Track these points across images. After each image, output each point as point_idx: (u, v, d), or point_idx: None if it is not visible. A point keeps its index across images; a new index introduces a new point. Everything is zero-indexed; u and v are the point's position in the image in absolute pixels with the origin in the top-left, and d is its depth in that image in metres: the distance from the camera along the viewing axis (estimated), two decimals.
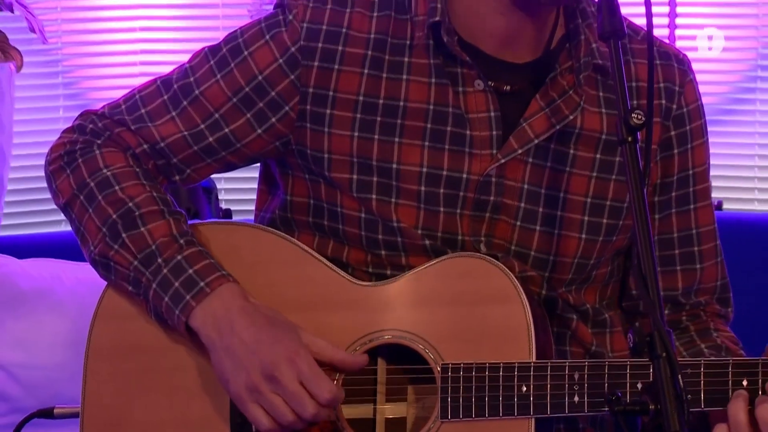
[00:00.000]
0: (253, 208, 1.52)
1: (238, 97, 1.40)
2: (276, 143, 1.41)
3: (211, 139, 1.41)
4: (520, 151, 1.38)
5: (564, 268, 1.40)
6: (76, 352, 1.51)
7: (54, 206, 1.47)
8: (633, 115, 1.16)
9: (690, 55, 1.50)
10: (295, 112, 1.39)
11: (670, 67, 1.43)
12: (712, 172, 1.48)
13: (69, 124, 1.48)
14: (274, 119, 1.40)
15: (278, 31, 1.39)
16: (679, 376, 1.06)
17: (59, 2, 2.95)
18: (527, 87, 1.39)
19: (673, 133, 1.43)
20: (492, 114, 1.38)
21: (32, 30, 2.65)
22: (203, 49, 1.44)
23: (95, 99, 2.95)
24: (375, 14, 1.39)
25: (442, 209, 1.38)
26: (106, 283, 1.43)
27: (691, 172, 1.44)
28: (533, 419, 1.32)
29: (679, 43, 2.95)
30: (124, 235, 1.38)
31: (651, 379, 1.08)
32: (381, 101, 1.38)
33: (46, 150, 1.48)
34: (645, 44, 1.41)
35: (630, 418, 1.15)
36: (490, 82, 1.38)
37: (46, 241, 2.36)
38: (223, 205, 2.85)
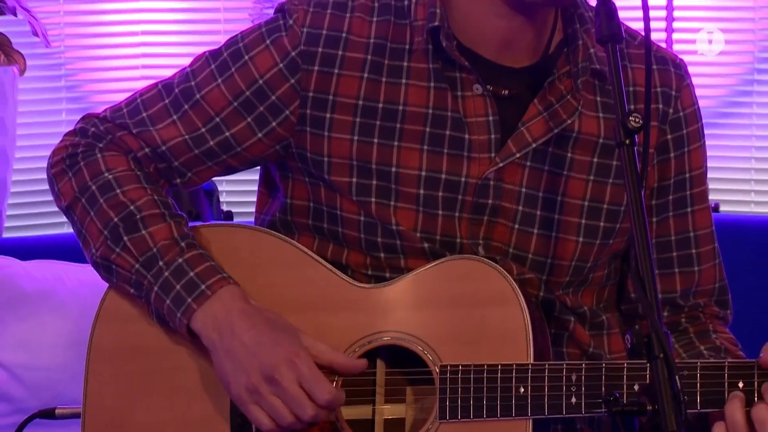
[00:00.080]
0: (254, 210, 1.53)
1: (238, 101, 1.41)
2: (276, 147, 1.42)
3: (211, 142, 1.42)
4: (518, 155, 1.38)
5: (561, 270, 1.41)
6: (78, 353, 1.51)
7: (56, 208, 1.48)
8: (631, 118, 1.17)
9: (687, 58, 1.51)
10: (296, 116, 1.40)
11: (666, 72, 1.44)
12: (709, 175, 1.48)
13: (71, 127, 1.49)
14: (274, 123, 1.41)
15: (278, 36, 1.40)
16: (677, 377, 1.07)
17: (62, 6, 2.96)
18: (525, 91, 1.40)
19: (669, 136, 1.44)
20: (490, 118, 1.39)
21: (35, 34, 2.67)
22: (204, 53, 1.44)
23: (97, 102, 2.96)
24: (374, 19, 1.40)
25: (440, 212, 1.39)
26: (107, 284, 1.44)
27: (688, 175, 1.45)
28: (531, 420, 1.32)
29: (676, 47, 2.96)
30: (125, 238, 1.39)
31: (648, 380, 1.09)
32: (380, 105, 1.39)
33: (48, 152, 1.48)
34: (642, 49, 1.42)
35: (628, 419, 1.16)
36: (488, 87, 1.39)
37: (48, 242, 2.37)
38: (225, 208, 2.86)
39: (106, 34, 2.99)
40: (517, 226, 1.40)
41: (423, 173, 1.38)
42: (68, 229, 2.56)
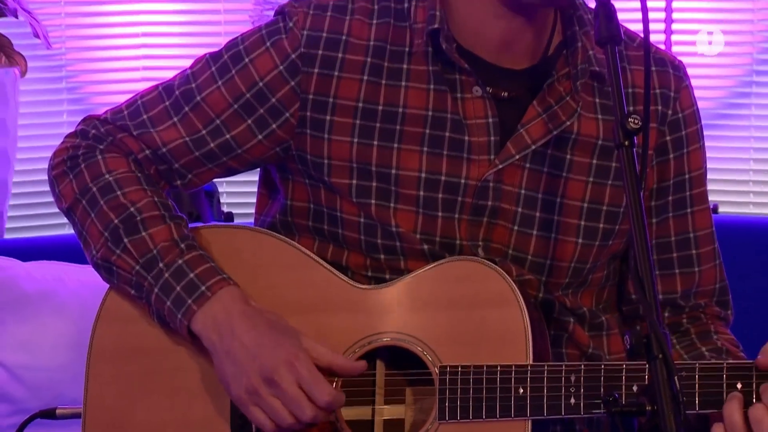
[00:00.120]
0: (254, 211, 1.54)
1: (239, 104, 1.41)
2: (276, 149, 1.42)
3: (212, 144, 1.42)
4: (517, 157, 1.39)
5: (561, 272, 1.41)
6: (79, 354, 1.51)
7: (57, 209, 1.48)
8: (630, 119, 1.17)
9: (685, 60, 1.51)
10: (296, 119, 1.40)
11: (665, 74, 1.44)
12: (708, 176, 1.48)
13: (72, 128, 1.49)
14: (274, 125, 1.41)
15: (279, 38, 1.40)
16: (676, 378, 1.08)
17: (63, 8, 2.97)
18: (525, 93, 1.40)
19: (668, 138, 1.44)
20: (490, 120, 1.39)
21: (36, 35, 2.67)
22: (205, 55, 1.45)
23: (98, 103, 2.96)
24: (374, 22, 1.40)
25: (440, 214, 1.39)
26: (108, 285, 1.44)
27: (687, 176, 1.45)
28: (530, 421, 1.33)
29: (675, 49, 2.97)
30: (125, 239, 1.39)
31: (647, 381, 1.09)
32: (380, 107, 1.39)
33: (50, 154, 1.48)
34: (641, 51, 1.42)
35: (627, 420, 1.16)
36: (488, 89, 1.39)
37: (49, 244, 2.37)
38: (225, 209, 2.86)
39: (107, 36, 3.00)
40: (516, 227, 1.40)
41: (423, 175, 1.39)
42: (69, 230, 2.56)
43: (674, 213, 1.46)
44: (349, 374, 1.35)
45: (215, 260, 1.40)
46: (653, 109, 1.42)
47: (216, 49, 1.45)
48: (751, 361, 1.31)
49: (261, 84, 1.40)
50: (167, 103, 1.43)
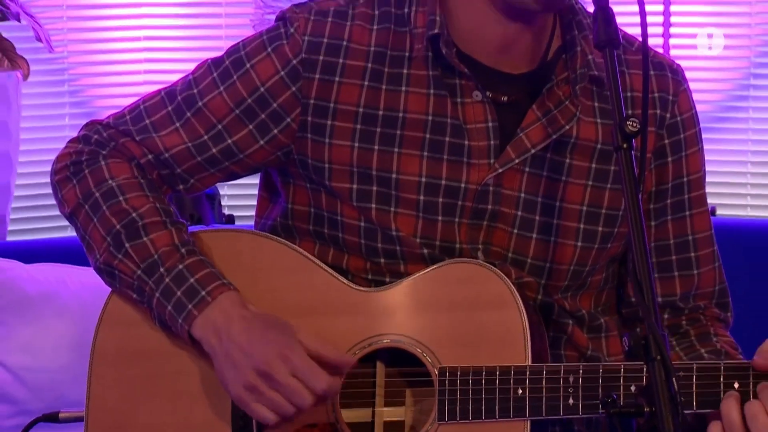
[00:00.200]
0: (255, 214, 1.54)
1: (240, 109, 1.42)
2: (278, 153, 1.43)
3: (214, 150, 1.43)
4: (517, 161, 1.39)
5: (560, 274, 1.42)
6: (81, 355, 1.53)
7: (59, 212, 1.48)
8: (628, 122, 1.17)
9: (683, 63, 1.52)
10: (297, 123, 1.41)
11: (664, 77, 1.45)
12: (706, 179, 1.49)
13: (75, 131, 1.49)
14: (276, 130, 1.42)
15: (280, 44, 1.41)
16: (674, 379, 1.08)
17: (65, 12, 2.97)
18: (524, 98, 1.40)
19: (667, 141, 1.44)
20: (490, 124, 1.40)
21: (39, 39, 2.68)
22: (206, 60, 1.45)
23: (100, 107, 2.97)
24: (375, 27, 1.40)
25: (440, 218, 1.40)
26: (110, 288, 1.45)
27: (685, 179, 1.46)
28: (529, 421, 1.33)
29: (673, 52, 2.98)
30: (127, 244, 1.40)
31: (645, 382, 1.10)
32: (381, 112, 1.40)
33: (52, 157, 1.49)
34: (639, 55, 1.42)
35: (625, 420, 1.17)
36: (488, 93, 1.39)
37: (51, 246, 2.38)
38: (226, 212, 2.87)
39: (108, 40, 3.00)
40: (516, 230, 1.41)
41: (423, 179, 1.39)
42: (71, 233, 2.57)
43: (673, 216, 1.46)
44: (337, 365, 1.35)
45: (216, 264, 1.40)
46: (652, 112, 1.43)
47: (217, 53, 1.45)
48: (747, 362, 1.31)
49: (262, 89, 1.41)
50: (169, 109, 1.44)
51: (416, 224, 1.40)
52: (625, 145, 1.18)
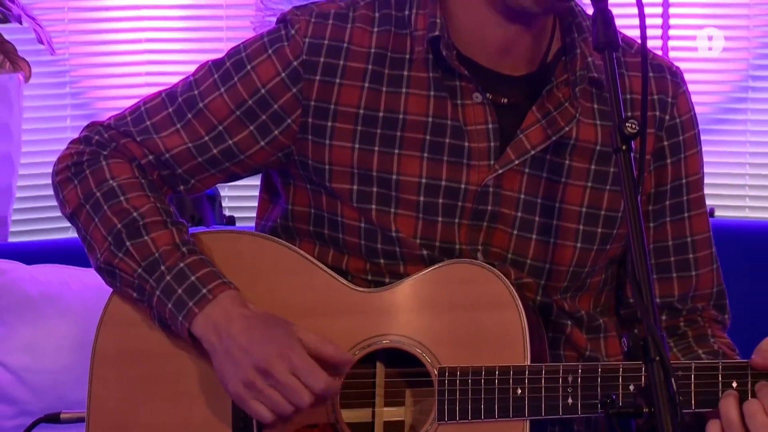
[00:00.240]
0: (255, 215, 1.55)
1: (241, 110, 1.42)
2: (278, 154, 1.43)
3: (215, 150, 1.43)
4: (516, 162, 1.40)
5: (559, 275, 1.43)
6: (82, 356, 1.53)
7: (61, 213, 1.49)
8: (627, 124, 1.17)
9: (682, 65, 1.53)
10: (297, 125, 1.42)
11: (663, 79, 1.45)
12: (705, 180, 1.49)
13: (76, 133, 1.50)
14: (276, 132, 1.42)
15: (280, 46, 1.41)
16: (672, 379, 1.09)
17: (66, 14, 2.98)
18: (524, 99, 1.41)
19: (666, 143, 1.45)
20: (490, 126, 1.40)
21: (40, 41, 2.69)
22: (207, 62, 1.45)
23: (101, 108, 2.98)
24: (375, 29, 1.41)
25: (440, 219, 1.40)
26: (111, 288, 1.46)
27: (684, 181, 1.46)
28: (528, 421, 1.34)
29: (671, 54, 2.99)
30: (128, 243, 1.40)
31: (644, 382, 1.10)
32: (381, 114, 1.40)
33: (53, 158, 1.49)
34: (639, 57, 1.43)
35: (624, 420, 1.17)
36: (488, 95, 1.40)
37: (53, 247, 2.38)
38: (227, 213, 2.87)
39: (110, 42, 3.01)
40: (515, 231, 1.41)
41: (423, 180, 1.40)
42: (72, 234, 2.57)
43: (671, 217, 1.47)
44: (337, 363, 1.36)
45: (216, 265, 1.41)
46: (651, 114, 1.43)
47: (218, 55, 1.46)
48: (746, 361, 1.32)
49: (263, 91, 1.41)
50: (170, 110, 1.45)
51: (416, 225, 1.40)
52: (624, 147, 1.18)
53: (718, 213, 2.83)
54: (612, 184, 1.43)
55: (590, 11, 1.26)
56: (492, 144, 1.40)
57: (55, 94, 2.98)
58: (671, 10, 3.02)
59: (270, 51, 1.42)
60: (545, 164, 1.41)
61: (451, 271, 1.39)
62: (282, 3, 2.83)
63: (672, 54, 2.97)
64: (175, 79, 1.49)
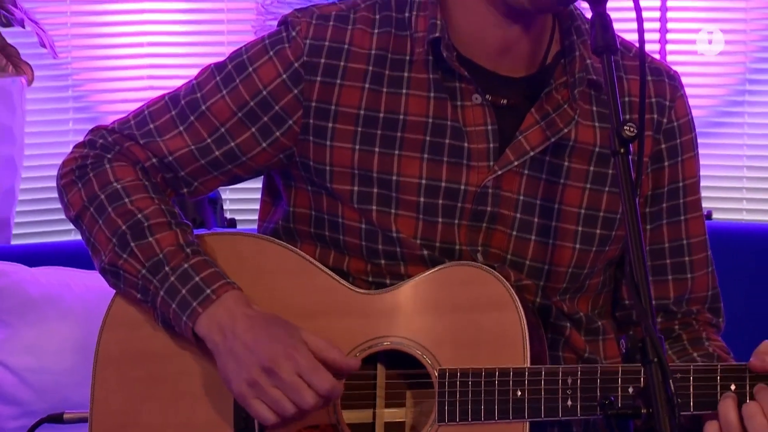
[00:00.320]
0: (256, 217, 1.54)
1: (243, 112, 1.43)
2: (280, 156, 1.44)
3: (217, 152, 1.44)
4: (516, 163, 1.40)
5: (558, 277, 1.43)
6: (85, 358, 1.53)
7: (63, 216, 1.49)
8: (625, 127, 1.18)
9: (679, 69, 1.53)
10: (299, 126, 1.42)
11: (661, 83, 1.46)
12: (702, 183, 1.50)
13: (78, 136, 1.52)
14: (278, 133, 1.43)
15: (282, 48, 1.42)
16: (670, 381, 1.09)
17: (69, 18, 2.99)
18: (523, 101, 1.41)
19: (663, 146, 1.45)
20: (489, 127, 1.41)
21: (43, 45, 2.69)
22: (209, 65, 1.46)
23: (104, 111, 2.98)
24: (376, 31, 1.42)
25: (440, 220, 1.41)
26: (114, 291, 1.46)
27: (681, 184, 1.47)
28: (528, 423, 1.34)
29: (669, 58, 3.00)
30: (132, 244, 1.41)
31: (643, 384, 1.11)
32: (381, 115, 1.41)
33: (56, 161, 1.50)
34: (637, 61, 1.44)
35: (622, 422, 1.17)
36: (487, 96, 1.40)
37: (55, 249, 2.38)
38: (228, 215, 2.88)
39: (112, 45, 3.02)
40: (514, 233, 1.42)
41: (423, 181, 1.40)
42: (75, 236, 2.58)
43: (668, 220, 1.47)
44: (342, 368, 1.36)
45: (219, 266, 1.41)
46: (649, 117, 1.43)
47: (220, 59, 1.46)
48: (744, 364, 1.32)
49: (264, 92, 1.42)
50: (173, 113, 1.45)
51: (416, 226, 1.41)
52: (622, 150, 1.19)
53: (715, 216, 2.83)
54: (611, 185, 1.43)
55: (589, 15, 1.27)
56: (491, 145, 1.41)
57: (58, 98, 2.99)
58: (669, 15, 3.03)
59: (271, 53, 1.43)
60: (544, 165, 1.42)
61: (451, 274, 1.40)
62: (283, 7, 2.84)
63: (669, 58, 2.98)
64: (177, 83, 1.49)
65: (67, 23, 2.97)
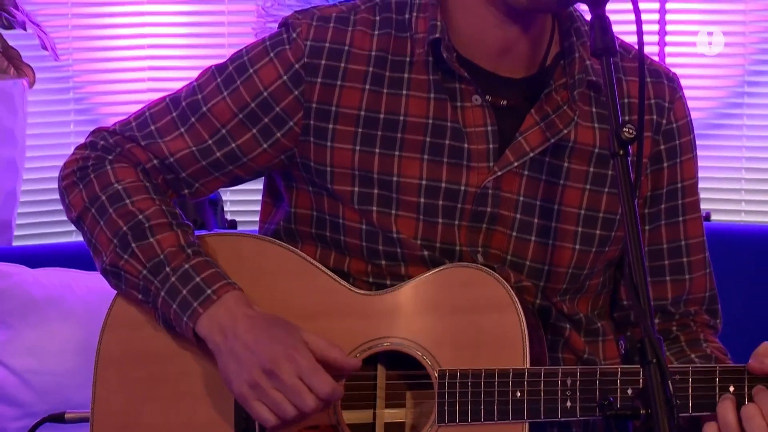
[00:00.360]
0: (257, 219, 1.55)
1: (244, 113, 1.43)
2: (281, 157, 1.44)
3: (218, 154, 1.44)
4: (515, 164, 1.41)
5: (558, 278, 1.43)
6: (86, 359, 1.54)
7: (65, 217, 1.50)
8: (624, 129, 1.18)
9: (678, 71, 1.54)
10: (299, 127, 1.43)
11: (660, 84, 1.46)
12: (700, 185, 1.50)
13: (80, 138, 1.52)
14: (278, 134, 1.43)
15: (282, 49, 1.43)
16: (669, 382, 1.10)
17: (70, 21, 2.99)
18: (523, 102, 1.42)
19: (662, 147, 1.46)
20: (489, 128, 1.41)
21: (44, 47, 2.70)
22: (210, 67, 1.46)
23: (105, 114, 2.99)
24: (376, 32, 1.42)
25: (440, 220, 1.41)
26: (115, 292, 1.46)
27: (680, 185, 1.47)
28: (527, 423, 1.34)
29: (668, 60, 3.00)
30: (133, 245, 1.41)
31: (642, 385, 1.11)
32: (381, 116, 1.41)
33: (57, 163, 1.51)
34: (636, 62, 1.44)
35: (621, 423, 1.17)
36: (487, 97, 1.41)
37: (57, 251, 2.39)
38: (229, 217, 2.89)
39: (113, 48, 3.02)
40: (514, 233, 1.42)
41: (423, 182, 1.40)
42: (76, 238, 2.58)
43: (666, 221, 1.48)
44: (343, 368, 1.36)
45: (220, 267, 1.41)
46: (648, 118, 1.44)
47: (220, 61, 1.47)
48: (743, 365, 1.32)
49: (265, 94, 1.42)
50: (174, 114, 1.46)
51: (417, 226, 1.41)
52: (621, 152, 1.19)
53: (714, 217, 2.84)
54: (610, 186, 1.44)
55: (588, 17, 1.28)
56: (491, 146, 1.41)
57: (59, 100, 3.00)
58: (668, 17, 3.04)
59: (272, 54, 1.43)
60: (544, 166, 1.42)
61: (451, 275, 1.40)
62: (283, 9, 2.85)
63: (668, 60, 2.99)
64: (177, 85, 1.50)
65: (68, 26, 2.98)
